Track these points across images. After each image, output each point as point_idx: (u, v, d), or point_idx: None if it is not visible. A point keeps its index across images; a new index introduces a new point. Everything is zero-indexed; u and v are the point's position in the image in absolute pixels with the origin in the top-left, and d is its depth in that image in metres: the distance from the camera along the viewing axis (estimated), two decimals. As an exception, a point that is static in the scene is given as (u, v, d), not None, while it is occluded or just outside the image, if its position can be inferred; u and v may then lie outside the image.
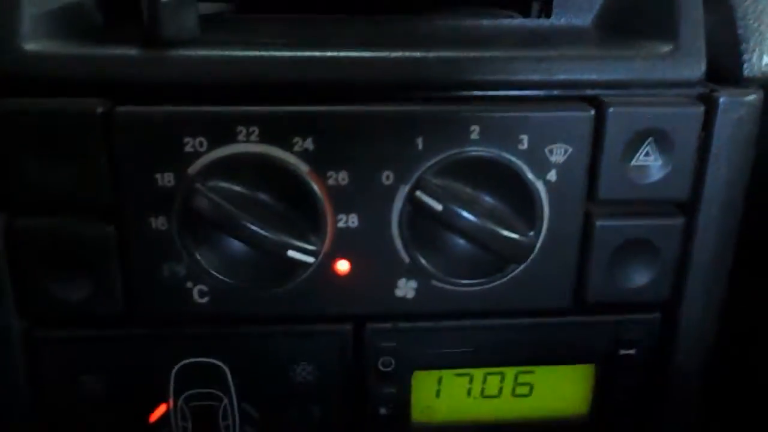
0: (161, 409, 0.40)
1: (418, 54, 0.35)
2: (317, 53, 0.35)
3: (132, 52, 0.34)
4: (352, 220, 0.36)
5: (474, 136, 0.35)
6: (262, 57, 0.35)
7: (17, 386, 0.38)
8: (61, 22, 0.36)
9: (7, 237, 0.36)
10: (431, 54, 0.35)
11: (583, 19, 0.41)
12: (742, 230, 0.39)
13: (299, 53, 0.35)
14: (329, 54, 0.35)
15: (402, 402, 0.41)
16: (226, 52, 0.35)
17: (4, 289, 0.37)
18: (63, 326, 0.38)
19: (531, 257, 0.37)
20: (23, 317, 0.37)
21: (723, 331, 0.41)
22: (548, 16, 0.41)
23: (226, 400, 0.40)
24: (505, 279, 0.38)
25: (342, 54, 0.35)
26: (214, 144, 0.34)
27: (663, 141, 0.36)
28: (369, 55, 0.35)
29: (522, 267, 0.37)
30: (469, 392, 0.42)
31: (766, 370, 0.46)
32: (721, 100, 0.36)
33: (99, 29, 0.38)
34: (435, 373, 0.41)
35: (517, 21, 0.42)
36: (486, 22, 0.41)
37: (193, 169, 0.35)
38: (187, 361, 0.39)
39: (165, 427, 0.40)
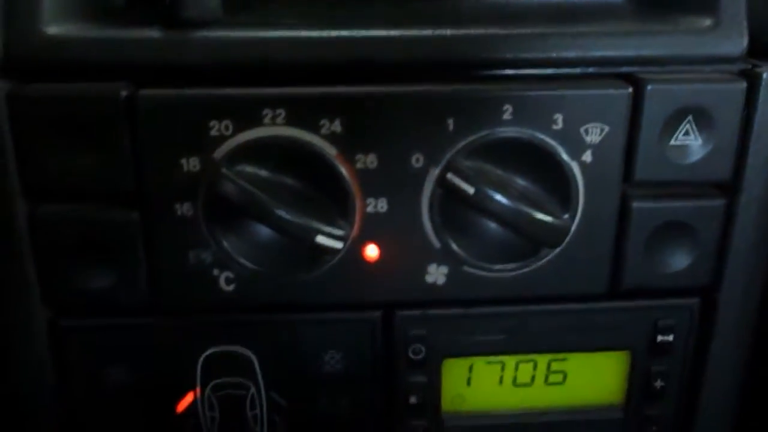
0: (188, 398, 0.39)
1: (447, 32, 0.34)
2: (344, 32, 0.34)
3: (155, 34, 0.34)
4: (381, 205, 0.35)
5: (506, 116, 0.34)
6: (287, 37, 0.34)
7: (42, 376, 0.38)
8: (81, 4, 0.36)
9: (30, 225, 0.35)
10: (461, 32, 0.34)
11: (618, -6, 0.40)
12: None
13: (325, 33, 0.34)
14: (356, 33, 0.34)
15: (432, 390, 0.40)
16: (251, 33, 0.34)
17: (28, 278, 0.36)
18: (88, 315, 0.38)
19: (566, 241, 0.36)
20: (47, 306, 0.37)
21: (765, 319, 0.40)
22: (582, -9, 0.40)
23: (253, 389, 0.39)
24: (538, 264, 0.37)
25: (369, 33, 0.34)
26: (239, 127, 0.34)
27: (703, 119, 0.35)
28: (397, 33, 0.34)
29: (556, 251, 0.36)
30: (500, 380, 0.41)
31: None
32: (765, 75, 0.35)
33: (120, 10, 0.38)
34: (466, 361, 0.40)
35: (550, -4, 0.41)
36: (517, -2, 0.40)
37: (218, 154, 0.34)
38: (213, 349, 0.38)
39: (192, 416, 0.40)
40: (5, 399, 0.39)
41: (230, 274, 0.36)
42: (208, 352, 0.39)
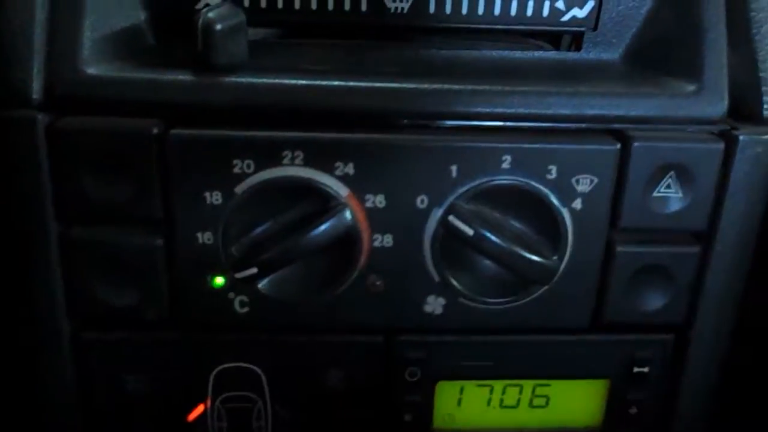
0: (199, 409, 0.42)
1: (455, 86, 0.37)
2: (359, 83, 0.37)
3: (186, 77, 0.36)
4: (387, 240, 0.38)
5: (505, 165, 0.37)
6: (307, 85, 0.37)
7: (65, 384, 0.41)
8: (118, 45, 0.38)
9: (61, 245, 0.38)
10: (467, 86, 0.37)
11: (612, 53, 0.43)
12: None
13: (342, 83, 0.37)
14: (370, 84, 0.37)
15: (425, 409, 0.43)
16: (274, 80, 0.37)
17: (56, 294, 0.39)
18: (109, 329, 0.40)
19: (554, 279, 0.39)
20: (72, 320, 0.40)
21: (735, 353, 0.44)
22: (578, 49, 0.43)
23: (260, 403, 0.42)
24: (528, 299, 0.40)
25: (382, 84, 0.37)
26: (260, 166, 0.36)
27: (684, 174, 0.38)
28: (408, 86, 0.37)
29: (545, 288, 0.40)
30: (488, 402, 0.44)
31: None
32: (741, 138, 0.38)
33: (152, 50, 0.40)
34: (457, 384, 0.43)
35: (549, 53, 0.44)
36: (519, 54, 0.43)
37: (240, 189, 0.37)
38: (225, 365, 0.41)
39: (202, 426, 0.42)
40: (30, 405, 0.41)
41: (244, 298, 0.39)
42: (219, 367, 0.41)
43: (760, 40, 0.39)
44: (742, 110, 0.39)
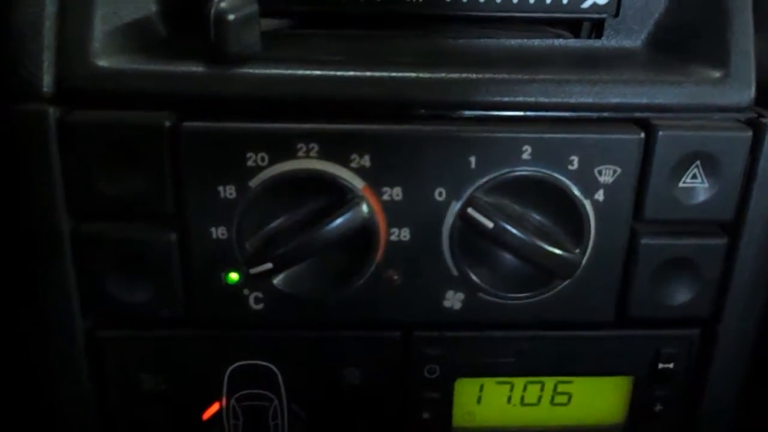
0: (214, 407, 0.42)
1: (473, 75, 0.36)
2: (375, 73, 0.36)
3: (198, 68, 0.36)
4: (404, 234, 0.38)
5: (525, 156, 0.36)
6: (321, 76, 0.36)
7: (80, 382, 0.40)
8: (129, 37, 0.37)
9: (73, 240, 0.37)
10: (486, 75, 0.36)
11: (634, 41, 0.42)
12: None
13: (357, 73, 0.36)
14: (386, 74, 0.36)
15: (444, 407, 0.42)
16: (287, 71, 0.36)
17: (70, 291, 0.38)
18: (124, 327, 0.40)
19: (576, 273, 0.38)
20: (87, 318, 0.39)
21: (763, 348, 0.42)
22: (599, 37, 0.42)
23: (276, 401, 0.42)
24: (550, 293, 0.39)
25: (398, 74, 0.36)
26: (274, 159, 0.36)
27: (710, 164, 0.37)
28: (425, 75, 0.36)
29: (567, 282, 0.39)
30: (509, 400, 0.43)
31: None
32: (770, 126, 0.37)
33: (164, 41, 0.40)
34: (477, 381, 0.42)
35: (569, 41, 0.43)
36: (538, 42, 0.42)
37: (254, 183, 0.36)
38: (240, 363, 0.41)
39: (217, 424, 0.42)
40: (44, 404, 0.41)
41: (259, 294, 0.38)
42: (235, 365, 0.41)
43: (789, 24, 0.38)
44: (770, 97, 0.38)
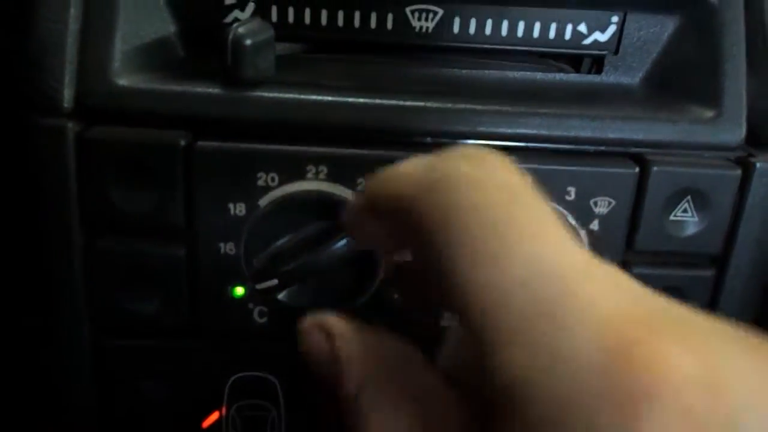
0: (214, 416, 0.43)
1: (477, 106, 0.38)
2: (383, 101, 0.37)
3: (214, 90, 0.37)
4: (406, 255, 0.39)
5: (525, 185, 0.38)
6: (331, 102, 0.37)
7: (84, 390, 0.41)
8: (148, 57, 0.39)
9: (85, 253, 0.39)
10: (489, 107, 0.38)
11: (632, 77, 0.44)
12: None
13: (366, 100, 0.37)
14: (394, 102, 0.38)
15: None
16: (299, 96, 0.37)
17: (78, 302, 0.39)
18: (130, 336, 0.41)
19: (570, 300, 0.39)
20: (93, 326, 0.40)
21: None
22: (599, 72, 0.44)
23: (275, 412, 0.43)
24: (543, 317, 0.40)
25: (406, 103, 0.38)
26: (284, 180, 0.37)
27: (700, 199, 0.39)
28: (431, 105, 0.38)
29: (560, 308, 0.40)
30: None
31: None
32: (758, 165, 0.38)
33: (182, 62, 0.41)
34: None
35: (570, 76, 0.45)
36: (540, 76, 0.44)
37: (263, 201, 0.37)
38: (242, 374, 0.42)
39: (216, 433, 0.43)
40: (49, 410, 0.42)
41: (264, 308, 0.40)
42: (236, 376, 0.42)
43: (780, 68, 0.40)
44: (759, 137, 0.40)
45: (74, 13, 0.37)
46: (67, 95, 0.37)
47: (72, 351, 0.40)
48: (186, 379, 0.42)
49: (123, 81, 0.37)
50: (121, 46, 0.37)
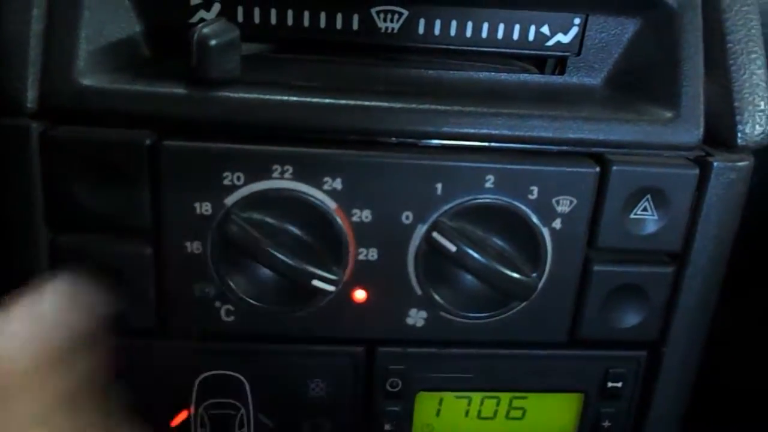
0: (182, 415, 0.43)
1: (442, 107, 0.38)
2: (349, 101, 0.38)
3: (179, 90, 0.37)
4: (372, 254, 0.39)
5: (488, 184, 0.38)
6: (297, 102, 0.38)
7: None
8: (113, 57, 0.39)
9: (50, 252, 0.38)
10: (454, 107, 0.38)
11: (594, 78, 0.45)
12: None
13: (331, 100, 0.38)
14: (359, 103, 0.38)
15: (405, 420, 0.44)
16: (265, 96, 0.38)
17: (44, 299, 0.39)
18: (97, 336, 0.41)
19: (533, 296, 0.40)
20: (60, 325, 0.40)
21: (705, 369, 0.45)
22: (562, 73, 0.45)
23: (243, 411, 0.43)
24: (507, 314, 0.41)
25: (371, 103, 0.38)
26: (250, 179, 0.37)
27: (660, 198, 0.39)
28: (396, 105, 0.38)
29: (524, 304, 0.41)
30: (466, 413, 0.45)
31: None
32: (715, 164, 0.39)
33: (147, 62, 0.41)
34: (437, 395, 0.44)
35: (533, 76, 0.45)
36: (505, 76, 0.44)
37: (229, 200, 0.37)
38: (210, 372, 0.42)
39: (185, 431, 0.43)
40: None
41: (231, 307, 0.40)
42: (204, 375, 0.42)
43: (736, 70, 0.41)
44: (716, 137, 0.41)
45: (37, 13, 0.37)
46: (31, 95, 0.37)
47: None
48: (154, 379, 0.42)
49: (87, 81, 0.37)
50: (85, 46, 0.37)
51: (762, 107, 0.41)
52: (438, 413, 0.45)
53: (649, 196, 0.39)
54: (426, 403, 0.44)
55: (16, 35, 0.37)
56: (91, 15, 0.37)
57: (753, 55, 0.41)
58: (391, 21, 0.42)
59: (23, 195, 0.37)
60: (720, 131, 0.41)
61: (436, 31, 0.42)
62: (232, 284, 0.39)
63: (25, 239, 0.38)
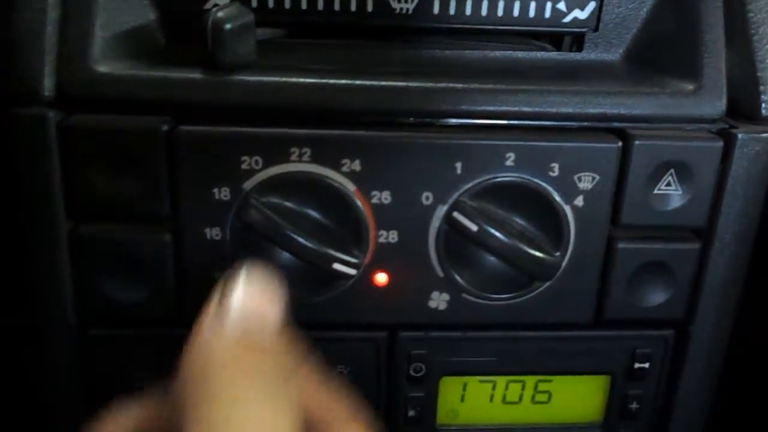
0: (205, 404, 0.43)
1: (459, 85, 0.38)
2: (365, 82, 0.38)
3: (195, 75, 0.37)
4: (392, 236, 0.39)
5: (509, 162, 0.38)
6: (313, 84, 0.37)
7: (71, 379, 0.41)
8: (128, 44, 0.39)
9: (70, 242, 0.38)
10: (471, 85, 0.38)
11: (612, 54, 0.44)
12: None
13: (348, 81, 0.38)
14: (376, 83, 0.38)
15: (429, 405, 0.44)
16: (281, 79, 0.37)
17: (65, 290, 0.39)
18: (116, 326, 0.41)
19: (556, 275, 0.40)
20: (80, 316, 0.40)
21: (734, 349, 0.44)
22: (579, 50, 0.44)
23: (265, 399, 0.43)
24: (531, 295, 0.41)
25: (388, 83, 0.38)
26: (268, 163, 0.37)
27: (683, 172, 0.39)
28: (413, 85, 0.38)
29: (547, 284, 0.40)
30: (491, 398, 0.45)
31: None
32: (739, 136, 0.39)
33: (162, 48, 0.41)
34: (461, 379, 0.44)
35: (550, 54, 0.45)
36: (522, 54, 0.44)
37: (248, 185, 0.37)
38: (231, 361, 0.42)
39: (207, 421, 0.43)
40: (35, 400, 0.42)
41: (251, 294, 0.40)
42: (225, 363, 0.42)
43: (758, 40, 0.40)
44: (740, 109, 0.40)
45: (53, 1, 0.37)
46: (48, 84, 0.37)
47: (59, 340, 0.40)
48: (174, 368, 0.42)
49: (103, 68, 0.37)
50: (100, 34, 0.37)
51: (786, 77, 0.40)
52: (462, 398, 0.44)
53: (672, 170, 0.39)
54: (450, 388, 0.44)
55: (31, 24, 0.36)
56: (106, 2, 0.37)
57: (775, 25, 0.40)
58: (406, 1, 0.41)
59: (42, 185, 0.37)
60: (743, 102, 0.40)
61: (451, 11, 0.42)
62: (252, 270, 0.39)
63: (45, 229, 0.38)
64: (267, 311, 0.31)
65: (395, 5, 0.41)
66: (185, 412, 0.27)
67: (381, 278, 0.40)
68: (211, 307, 0.31)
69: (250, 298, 0.31)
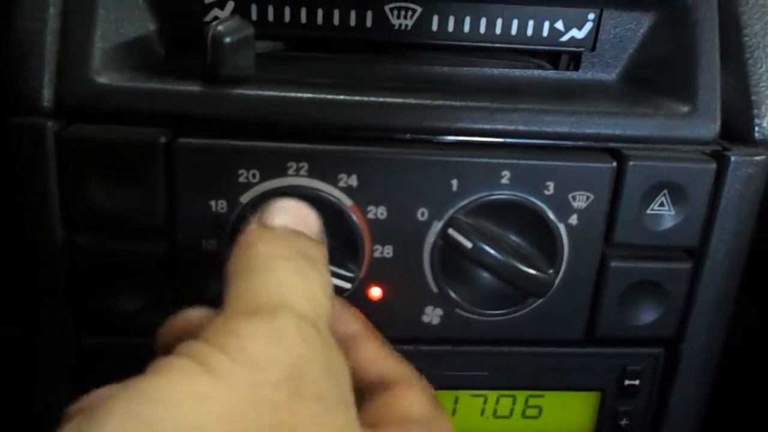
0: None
1: (457, 102, 0.38)
2: (363, 98, 0.38)
3: (194, 88, 0.37)
4: (388, 251, 0.39)
5: (504, 180, 0.38)
6: (311, 99, 0.38)
7: (65, 389, 0.41)
8: (128, 55, 0.39)
9: (66, 252, 0.39)
10: (469, 102, 0.38)
11: (609, 74, 0.44)
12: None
13: (346, 97, 0.38)
14: (374, 99, 0.38)
15: (420, 418, 0.44)
16: (280, 93, 0.37)
17: (61, 301, 0.39)
18: (112, 334, 0.41)
19: (549, 292, 0.40)
20: (75, 325, 0.40)
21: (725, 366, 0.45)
22: (576, 69, 0.44)
23: (258, 409, 0.43)
24: (524, 311, 0.41)
25: (386, 100, 0.38)
26: (265, 176, 0.37)
27: (677, 193, 0.39)
28: (411, 101, 0.38)
29: (540, 301, 0.41)
30: (482, 412, 0.45)
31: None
32: (733, 159, 0.39)
33: (161, 60, 0.41)
34: (452, 393, 0.44)
35: (547, 72, 0.45)
36: (519, 72, 0.44)
37: (245, 198, 0.37)
38: (224, 372, 0.42)
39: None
40: (29, 410, 0.42)
41: (246, 305, 0.40)
42: (219, 374, 0.42)
43: (753, 64, 0.40)
44: (734, 132, 0.41)
45: (53, 11, 0.37)
46: (47, 94, 0.37)
47: (54, 350, 0.40)
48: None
49: (103, 79, 0.37)
50: (100, 45, 0.37)
51: (779, 101, 0.40)
52: (454, 412, 0.45)
53: (666, 191, 0.39)
54: (441, 402, 0.44)
55: (31, 34, 0.37)
56: (107, 13, 0.38)
57: (769, 49, 0.41)
58: (405, 18, 0.42)
59: (40, 194, 0.37)
60: (737, 125, 0.40)
61: (450, 28, 0.42)
62: (247, 282, 0.39)
63: (42, 239, 0.38)
64: (309, 217, 0.32)
65: (394, 21, 0.42)
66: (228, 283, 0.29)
67: (375, 292, 0.40)
68: (255, 215, 0.32)
69: (292, 204, 0.32)
